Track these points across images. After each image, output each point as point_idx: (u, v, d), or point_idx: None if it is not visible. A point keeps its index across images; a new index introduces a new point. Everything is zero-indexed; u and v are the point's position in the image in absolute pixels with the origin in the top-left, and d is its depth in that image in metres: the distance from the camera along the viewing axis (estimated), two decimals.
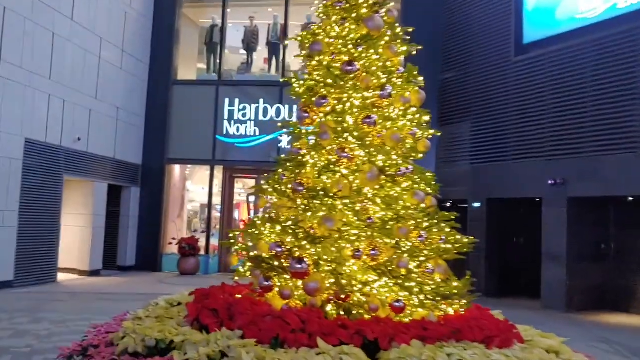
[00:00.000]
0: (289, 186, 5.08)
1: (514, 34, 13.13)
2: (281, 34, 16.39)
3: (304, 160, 5.09)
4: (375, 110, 5.03)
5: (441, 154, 14.74)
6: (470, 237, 5.10)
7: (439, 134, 6.05)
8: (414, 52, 5.57)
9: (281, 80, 15.72)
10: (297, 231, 4.66)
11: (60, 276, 12.89)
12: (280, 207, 5.15)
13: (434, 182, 5.31)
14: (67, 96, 12.79)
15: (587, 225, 11.92)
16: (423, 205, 5.02)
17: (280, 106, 15.66)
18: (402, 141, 5.11)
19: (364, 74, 5.01)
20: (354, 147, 4.83)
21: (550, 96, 12.17)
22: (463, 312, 4.84)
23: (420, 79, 5.51)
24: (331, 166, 4.84)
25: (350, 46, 5.12)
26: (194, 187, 17.69)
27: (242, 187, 17.83)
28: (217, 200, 16.54)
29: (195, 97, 16.16)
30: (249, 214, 16.59)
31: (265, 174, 5.58)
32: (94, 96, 13.81)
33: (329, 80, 4.97)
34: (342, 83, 4.94)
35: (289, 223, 4.72)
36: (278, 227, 4.75)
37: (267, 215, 5.18)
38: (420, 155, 5.35)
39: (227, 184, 16.46)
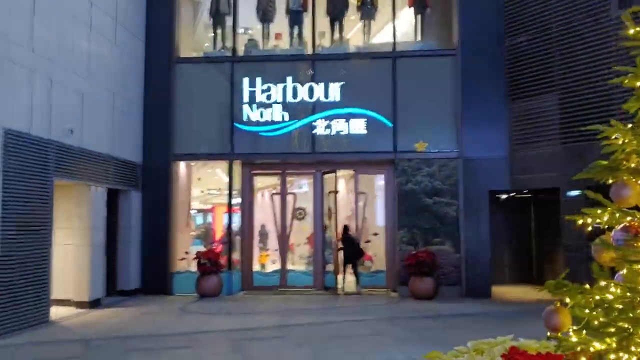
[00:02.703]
0: None
1: None
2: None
3: None
4: None
5: (516, 135, 12.19)
6: None
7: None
8: None
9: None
10: None
11: (53, 311, 9.72)
12: None
13: None
14: (54, 74, 9.64)
15: None
16: None
17: (314, 84, 12.79)
18: None
19: None
20: None
21: None
22: None
23: None
24: None
25: None
26: (204, 188, 14.64)
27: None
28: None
29: (205, 78, 13.15)
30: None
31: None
32: (85, 76, 10.66)
33: None
34: None
35: None
36: None
37: None
38: None
39: (246, 183, 13.48)
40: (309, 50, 13.21)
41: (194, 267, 12.75)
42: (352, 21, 14.30)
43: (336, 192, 12.93)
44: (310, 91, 12.75)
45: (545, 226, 13.63)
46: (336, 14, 13.49)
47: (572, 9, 11.20)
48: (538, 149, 11.76)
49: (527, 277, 14.24)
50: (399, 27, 13.25)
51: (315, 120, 12.68)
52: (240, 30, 15.17)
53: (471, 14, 12.46)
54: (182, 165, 13.45)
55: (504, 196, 13.80)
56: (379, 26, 14.15)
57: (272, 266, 13.83)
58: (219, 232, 20.54)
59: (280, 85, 12.83)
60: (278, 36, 14.69)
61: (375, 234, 13.35)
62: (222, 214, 26.39)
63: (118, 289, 12.20)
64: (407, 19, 13.87)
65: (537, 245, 14.19)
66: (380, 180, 13.43)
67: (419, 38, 13.29)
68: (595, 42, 10.82)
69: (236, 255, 13.09)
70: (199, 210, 24.12)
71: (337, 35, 13.58)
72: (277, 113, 12.79)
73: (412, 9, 13.43)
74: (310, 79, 12.80)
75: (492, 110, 12.31)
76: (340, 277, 12.73)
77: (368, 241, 13.41)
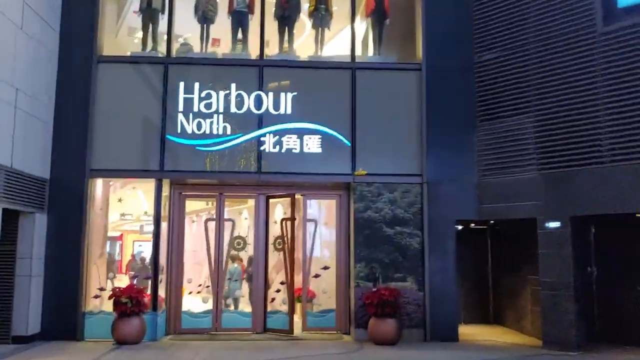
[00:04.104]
0: None
1: None
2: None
3: None
4: None
5: (484, 160, 11.06)
6: None
7: None
8: None
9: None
10: None
11: None
12: None
13: None
14: None
15: None
16: None
17: (261, 93, 11.13)
18: None
19: None
20: None
21: None
22: None
23: None
24: None
25: None
26: (124, 211, 12.45)
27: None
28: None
29: (132, 81, 11.12)
30: (214, 255, 11.62)
31: None
32: None
33: None
34: None
35: None
36: None
37: None
38: None
39: (176, 207, 11.51)
40: (256, 56, 11.54)
41: (108, 306, 10.52)
42: (301, 29, 12.93)
43: (293, 219, 11.19)
44: (258, 101, 11.08)
45: (505, 260, 12.56)
46: (286, 19, 11.98)
47: (552, 24, 10.30)
48: (511, 176, 10.66)
49: (484, 316, 13.08)
50: (355, 38, 11.90)
51: (263, 136, 10.98)
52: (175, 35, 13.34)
53: (438, 25, 11.36)
54: (99, 184, 11.25)
55: (459, 227, 12.62)
56: (332, 35, 12.77)
57: (203, 306, 11.78)
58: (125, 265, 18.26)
59: (222, 93, 11.07)
60: (215, 42, 13.01)
61: (326, 268, 11.69)
62: (132, 243, 23.67)
63: (12, 334, 9.77)
64: (363, 29, 12.60)
65: (495, 281, 13.09)
66: (332, 206, 11.85)
67: (377, 50, 12.00)
68: (578, 60, 9.92)
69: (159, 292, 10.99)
70: (109, 238, 21.47)
71: (286, 41, 12.05)
72: (217, 125, 10.98)
73: (370, 19, 12.16)
74: (258, 87, 11.13)
75: (460, 132, 11.17)
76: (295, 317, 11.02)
77: (317, 275, 11.71)
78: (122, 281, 11.48)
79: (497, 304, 13.03)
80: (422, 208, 10.95)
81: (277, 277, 11.89)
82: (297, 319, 11.54)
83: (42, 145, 10.39)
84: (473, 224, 12.46)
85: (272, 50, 12.14)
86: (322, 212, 12.08)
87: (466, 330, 11.66)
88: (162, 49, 11.65)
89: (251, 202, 11.88)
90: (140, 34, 12.20)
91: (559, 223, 9.93)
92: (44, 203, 10.41)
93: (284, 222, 11.34)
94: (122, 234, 22.57)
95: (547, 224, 10.03)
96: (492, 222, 11.78)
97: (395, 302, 10.18)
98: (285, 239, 11.25)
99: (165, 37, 11.55)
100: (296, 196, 11.34)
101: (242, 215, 12.88)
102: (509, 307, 12.41)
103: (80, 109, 10.76)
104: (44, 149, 10.46)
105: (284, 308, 11.36)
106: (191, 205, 12.37)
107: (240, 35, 12.02)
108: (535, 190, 10.28)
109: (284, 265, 11.25)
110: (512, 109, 10.74)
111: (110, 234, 18.19)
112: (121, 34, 13.71)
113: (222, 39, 12.99)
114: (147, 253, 11.48)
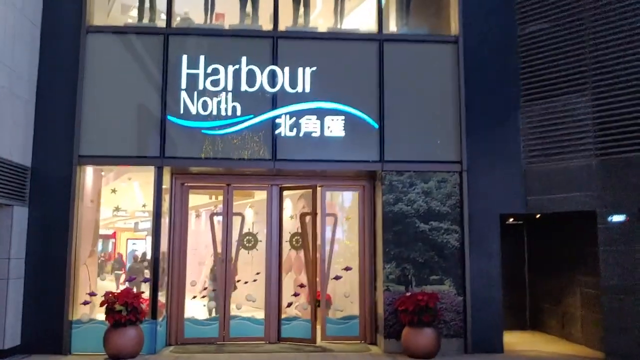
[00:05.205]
0: None
1: None
2: None
3: None
4: None
5: (530, 145, 9.69)
6: None
7: None
8: None
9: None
10: None
11: None
12: None
13: None
14: None
15: None
16: None
17: (276, 68, 9.70)
18: None
19: None
20: None
21: None
22: None
23: None
24: None
25: None
26: (119, 204, 11.02)
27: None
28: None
29: (127, 55, 9.67)
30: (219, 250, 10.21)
31: None
32: None
33: None
34: None
35: None
36: None
37: None
38: None
39: (178, 199, 10.10)
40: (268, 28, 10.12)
41: (98, 313, 9.13)
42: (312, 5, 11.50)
43: (314, 214, 9.79)
44: (272, 77, 9.66)
45: (546, 259, 11.23)
46: None
47: None
48: (563, 162, 9.29)
49: (520, 322, 11.71)
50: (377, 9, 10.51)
51: (278, 117, 9.56)
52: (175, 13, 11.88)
53: None
54: (89, 173, 9.81)
55: None
56: (350, 8, 11.38)
57: (209, 312, 10.35)
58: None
59: (232, 68, 9.64)
60: (219, 17, 11.54)
61: (348, 269, 10.29)
62: (126, 242, 22.22)
63: None
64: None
65: (532, 283, 11.74)
66: (354, 199, 10.47)
67: (403, 21, 10.60)
68: None
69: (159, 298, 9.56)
70: (101, 237, 20.00)
71: (301, 16, 10.65)
72: (226, 105, 9.56)
73: None
74: (272, 61, 9.71)
75: (503, 113, 9.80)
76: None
77: (338, 277, 10.29)
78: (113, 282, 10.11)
79: (535, 308, 11.68)
80: (461, 200, 9.57)
81: (285, 278, 10.54)
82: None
83: (23, 127, 8.93)
84: (512, 219, 11.11)
85: (284, 24, 10.72)
86: (342, 205, 10.70)
87: (504, 338, 10.29)
88: (161, 24, 10.20)
89: (258, 195, 10.49)
90: (134, 12, 10.80)
91: (624, 216, 8.57)
92: (25, 194, 8.95)
93: (303, 217, 9.93)
94: (115, 232, 21.16)
95: (610, 218, 8.66)
96: (538, 216, 10.39)
97: (434, 309, 8.79)
98: (305, 236, 9.84)
99: (163, 15, 10.11)
100: (317, 187, 9.94)
101: (250, 210, 11.46)
102: (551, 312, 11.07)
103: (68, 86, 9.31)
104: (25, 132, 9.00)
105: (301, 314, 9.99)
106: (193, 199, 10.94)
107: (249, 9, 10.61)
108: (592, 178, 8.92)
109: (305, 266, 9.86)
110: (563, 87, 9.37)
111: (101, 231, 16.75)
112: (113, 12, 12.24)
113: (226, 13, 11.56)
114: (141, 252, 10.11)
